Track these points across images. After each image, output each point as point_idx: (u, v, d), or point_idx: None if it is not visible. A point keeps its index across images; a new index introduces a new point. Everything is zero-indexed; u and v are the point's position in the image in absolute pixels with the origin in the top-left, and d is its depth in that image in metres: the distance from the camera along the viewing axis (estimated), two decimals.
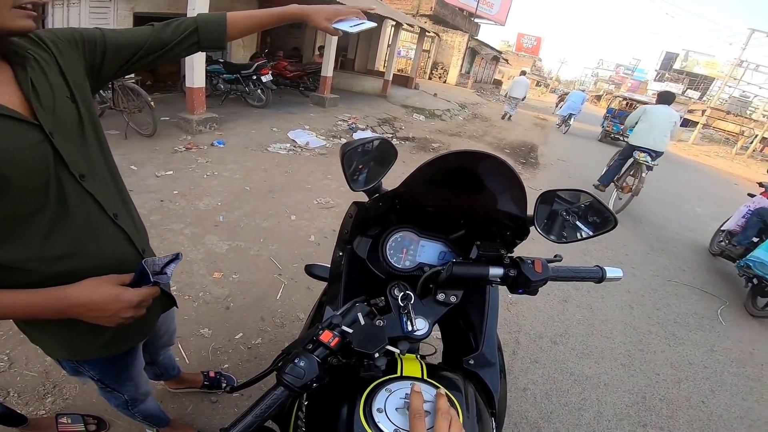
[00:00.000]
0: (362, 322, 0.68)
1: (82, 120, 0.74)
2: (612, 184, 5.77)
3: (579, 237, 0.86)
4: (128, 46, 0.83)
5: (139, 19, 6.22)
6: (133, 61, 0.85)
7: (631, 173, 5.42)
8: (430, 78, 19.57)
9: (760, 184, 4.53)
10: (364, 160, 0.89)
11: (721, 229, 4.67)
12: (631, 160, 5.42)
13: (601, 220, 0.84)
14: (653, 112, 5.25)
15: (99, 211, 0.78)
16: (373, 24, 0.92)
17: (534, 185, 5.94)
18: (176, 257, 0.78)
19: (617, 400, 2.25)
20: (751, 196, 4.54)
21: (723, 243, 4.46)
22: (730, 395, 2.49)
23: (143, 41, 0.84)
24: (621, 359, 2.59)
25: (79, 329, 0.74)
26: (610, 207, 5.01)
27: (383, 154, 0.91)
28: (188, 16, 0.90)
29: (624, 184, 5.48)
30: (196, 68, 5.06)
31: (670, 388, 2.44)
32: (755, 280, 3.62)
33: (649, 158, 5.15)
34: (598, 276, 0.86)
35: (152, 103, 4.40)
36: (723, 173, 13.38)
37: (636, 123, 5.36)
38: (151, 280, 0.73)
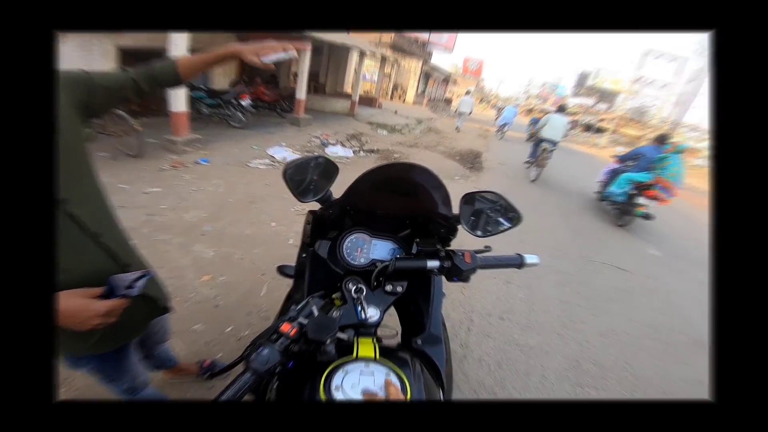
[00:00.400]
0: (316, 314, 0.69)
1: (66, 148, 0.72)
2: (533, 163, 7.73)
3: (501, 229, 0.89)
4: (110, 87, 0.83)
5: (124, 53, 5.89)
6: (109, 101, 0.85)
7: (541, 156, 7.35)
8: (391, 98, 19.66)
9: (612, 156, 6.58)
10: (314, 174, 0.89)
11: (598, 181, 6.61)
12: (541, 148, 7.33)
13: (515, 215, 0.87)
14: (553, 118, 7.35)
15: (79, 232, 0.75)
16: (292, 53, 0.94)
17: (479, 186, 6.08)
18: (145, 274, 0.78)
19: (557, 365, 2.31)
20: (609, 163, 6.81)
21: (599, 191, 6.44)
22: (650, 358, 2.58)
23: (123, 82, 0.85)
24: (557, 330, 2.68)
25: (69, 331, 0.73)
26: (532, 177, 6.57)
27: (325, 168, 0.91)
28: (169, 50, 0.89)
29: (539, 162, 7.39)
30: (178, 94, 4.85)
31: (600, 353, 2.51)
32: (616, 206, 5.68)
33: (549, 145, 7.22)
34: (518, 263, 0.89)
35: (139, 127, 4.19)
36: None
37: (544, 125, 7.33)
38: (117, 294, 0.74)
